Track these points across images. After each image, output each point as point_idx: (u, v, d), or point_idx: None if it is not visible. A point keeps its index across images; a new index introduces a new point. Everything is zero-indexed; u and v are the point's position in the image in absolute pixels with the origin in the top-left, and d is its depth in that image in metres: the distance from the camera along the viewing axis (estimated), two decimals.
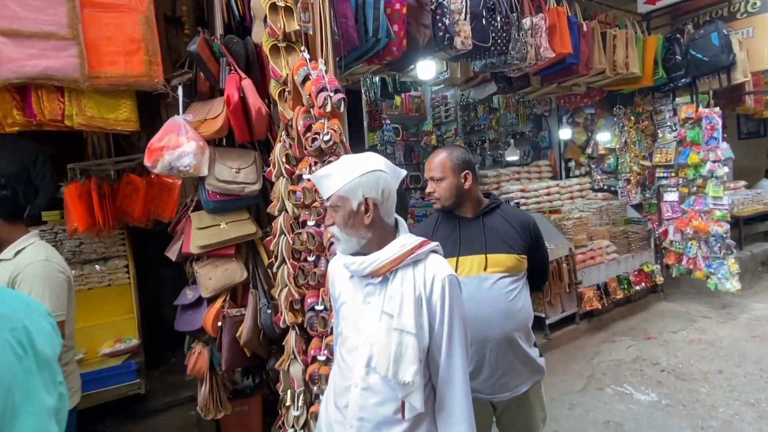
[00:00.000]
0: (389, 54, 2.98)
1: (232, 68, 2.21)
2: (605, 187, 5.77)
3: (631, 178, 5.27)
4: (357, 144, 8.77)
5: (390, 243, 1.25)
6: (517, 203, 4.83)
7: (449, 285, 1.22)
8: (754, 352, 3.91)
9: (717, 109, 4.80)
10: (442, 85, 6.40)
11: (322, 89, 1.88)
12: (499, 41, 3.46)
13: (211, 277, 2.19)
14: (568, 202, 5.55)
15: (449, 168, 1.77)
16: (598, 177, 5.82)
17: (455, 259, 1.78)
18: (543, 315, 4.17)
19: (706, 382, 3.49)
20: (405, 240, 1.25)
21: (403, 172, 1.36)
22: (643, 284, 4.95)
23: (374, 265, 1.22)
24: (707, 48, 4.66)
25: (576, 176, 6.04)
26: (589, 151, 5.84)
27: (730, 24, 4.92)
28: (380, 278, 1.24)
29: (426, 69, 3.86)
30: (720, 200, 4.77)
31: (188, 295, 2.29)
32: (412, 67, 3.88)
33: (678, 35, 4.82)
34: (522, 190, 5.23)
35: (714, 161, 4.75)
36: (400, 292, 1.21)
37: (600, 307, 4.47)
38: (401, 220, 1.33)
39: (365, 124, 8.21)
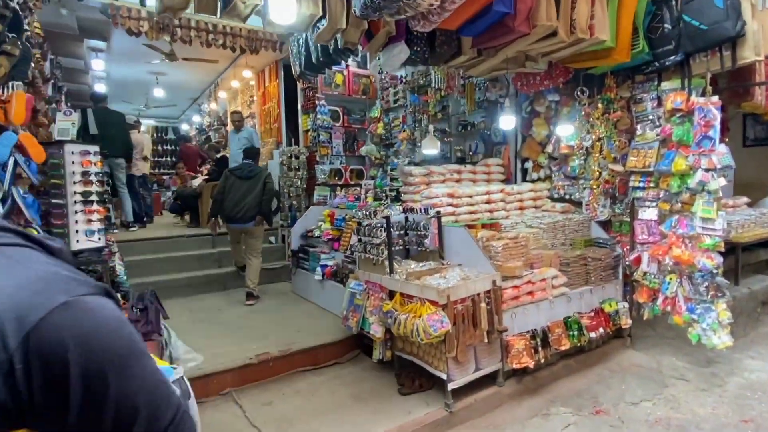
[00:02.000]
0: None
1: None
2: (567, 197, 4.48)
3: (594, 186, 3.97)
4: (291, 125, 7.49)
5: None
6: (438, 212, 3.55)
7: None
8: None
9: (716, 98, 3.51)
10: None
11: None
12: None
13: None
14: (515, 214, 4.30)
15: None
16: (560, 183, 4.53)
17: None
18: (443, 376, 2.91)
19: None
20: None
21: None
22: (600, 329, 3.69)
23: None
24: (707, 12, 3.37)
25: (532, 180, 4.76)
26: (549, 149, 4.55)
27: None
28: None
29: (279, 6, 2.57)
30: (711, 223, 3.49)
31: None
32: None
33: None
34: (450, 195, 3.97)
35: (707, 169, 3.45)
36: None
37: (531, 364, 3.21)
38: None
39: (299, 104, 6.96)
